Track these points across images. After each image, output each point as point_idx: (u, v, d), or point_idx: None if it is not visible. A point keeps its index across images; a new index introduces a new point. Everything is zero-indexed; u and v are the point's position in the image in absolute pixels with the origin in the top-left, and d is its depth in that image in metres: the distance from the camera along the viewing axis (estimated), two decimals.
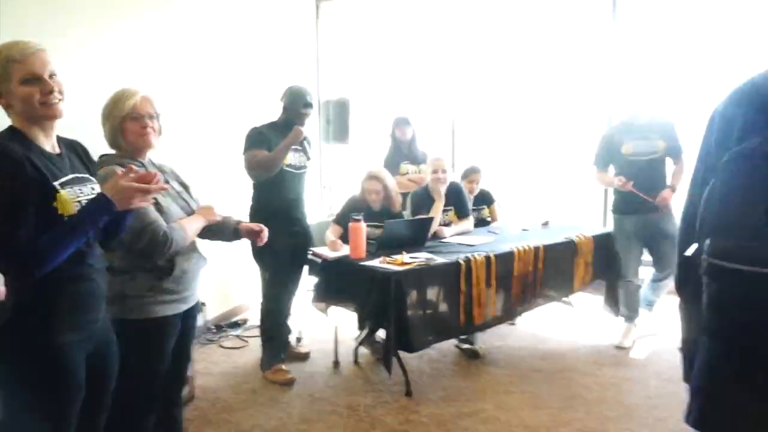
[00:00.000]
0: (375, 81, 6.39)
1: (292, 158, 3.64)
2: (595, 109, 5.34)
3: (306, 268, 3.90)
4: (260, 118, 3.79)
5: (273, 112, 3.79)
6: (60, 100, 1.70)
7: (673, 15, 5.04)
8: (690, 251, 1.53)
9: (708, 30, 4.87)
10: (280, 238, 3.55)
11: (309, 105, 3.70)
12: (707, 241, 1.48)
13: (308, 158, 3.77)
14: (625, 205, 4.03)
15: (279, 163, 3.53)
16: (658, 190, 3.90)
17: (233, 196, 3.86)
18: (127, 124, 2.13)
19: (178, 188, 2.33)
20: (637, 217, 3.99)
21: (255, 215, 3.67)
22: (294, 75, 5.69)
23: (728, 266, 1.41)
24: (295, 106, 3.67)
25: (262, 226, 2.54)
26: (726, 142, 1.40)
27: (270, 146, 3.54)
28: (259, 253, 3.68)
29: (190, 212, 2.28)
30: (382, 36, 6.44)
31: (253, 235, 2.53)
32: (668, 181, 3.96)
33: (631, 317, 4.17)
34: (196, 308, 2.35)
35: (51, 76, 1.68)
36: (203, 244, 2.41)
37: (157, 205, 2.09)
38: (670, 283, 3.95)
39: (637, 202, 3.90)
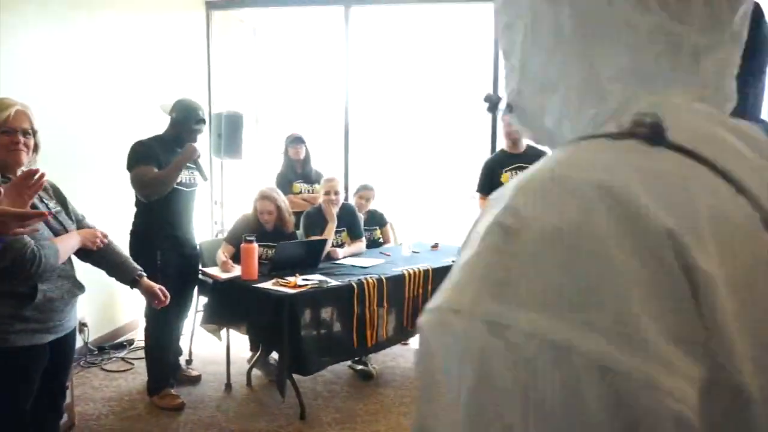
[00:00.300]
0: (267, 95, 6.34)
1: (183, 175, 3.51)
2: (482, 131, 5.62)
3: (196, 288, 3.82)
4: (148, 130, 3.65)
5: (161, 124, 3.66)
6: None
7: None
8: None
9: None
10: (167, 259, 3.49)
11: (202, 121, 3.58)
12: None
13: (204, 178, 3.68)
14: None
15: (172, 183, 3.39)
16: None
17: (117, 212, 3.70)
18: None
19: (55, 207, 2.19)
20: None
21: (141, 234, 3.53)
22: (185, 86, 5.56)
23: None
24: (187, 121, 3.53)
25: (166, 292, 2.47)
26: None
27: (159, 162, 3.39)
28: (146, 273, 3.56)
29: (61, 233, 2.14)
30: (275, 49, 6.42)
31: (152, 297, 2.44)
32: None
33: None
34: (71, 336, 2.25)
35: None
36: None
37: None
38: None
39: None
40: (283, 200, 4.01)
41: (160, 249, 3.46)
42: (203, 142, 5.81)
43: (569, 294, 0.39)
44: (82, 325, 4.24)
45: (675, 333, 0.38)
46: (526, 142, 4.13)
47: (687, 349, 0.38)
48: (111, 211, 3.83)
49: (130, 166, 3.41)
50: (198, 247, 3.83)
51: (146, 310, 3.67)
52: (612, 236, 0.39)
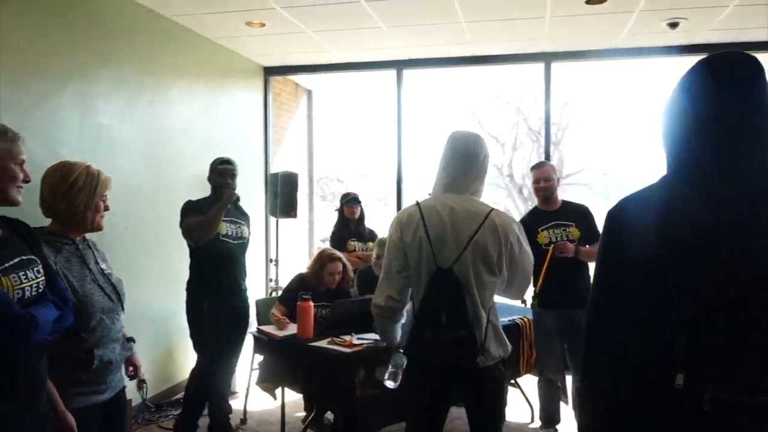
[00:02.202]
0: (323, 155, 6.51)
1: (228, 229, 3.70)
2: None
3: (251, 344, 3.86)
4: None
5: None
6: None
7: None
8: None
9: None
10: (215, 309, 3.62)
11: (226, 161, 3.79)
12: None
13: (247, 229, 3.85)
14: (546, 298, 3.68)
15: (215, 224, 3.56)
16: (578, 280, 3.67)
17: (175, 272, 3.81)
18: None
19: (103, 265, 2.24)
20: (558, 312, 3.66)
21: (192, 288, 3.70)
22: (244, 149, 5.77)
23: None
24: (213, 169, 3.78)
25: (139, 366, 2.42)
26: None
27: (204, 214, 3.59)
28: (193, 324, 3.68)
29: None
30: (330, 110, 6.60)
31: (129, 368, 2.40)
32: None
33: (550, 422, 3.84)
34: (123, 394, 2.27)
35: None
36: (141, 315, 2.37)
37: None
38: None
39: (559, 295, 3.61)
40: (346, 260, 4.05)
41: (207, 299, 3.63)
42: (259, 202, 6.01)
43: None
44: (141, 381, 4.29)
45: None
46: (561, 198, 3.87)
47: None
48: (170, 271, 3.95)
49: (181, 221, 3.64)
50: (247, 300, 3.90)
51: (198, 362, 3.75)
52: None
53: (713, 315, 1.19)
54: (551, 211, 3.78)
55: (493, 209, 2.40)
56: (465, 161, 2.42)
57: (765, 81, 1.25)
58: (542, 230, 3.71)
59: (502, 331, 2.46)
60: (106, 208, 2.18)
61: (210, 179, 3.80)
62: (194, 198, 3.74)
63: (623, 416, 1.28)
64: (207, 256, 3.65)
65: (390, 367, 2.50)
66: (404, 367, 2.47)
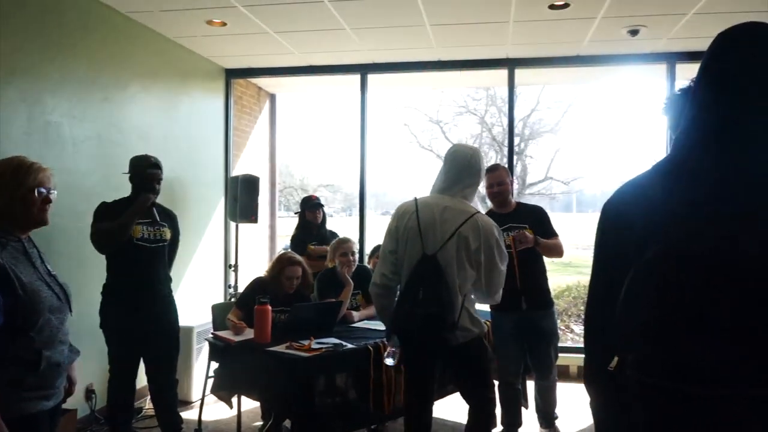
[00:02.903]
0: (285, 159, 6.41)
1: (144, 232, 3.51)
2: None
3: (207, 351, 3.72)
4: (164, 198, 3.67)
5: (189, 188, 3.68)
6: None
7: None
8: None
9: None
10: (119, 319, 3.47)
11: (155, 165, 3.57)
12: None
13: (169, 230, 3.66)
14: (503, 302, 3.42)
15: (124, 232, 3.38)
16: (537, 282, 3.71)
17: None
18: None
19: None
20: (516, 315, 3.64)
21: (107, 293, 3.54)
22: (204, 152, 5.63)
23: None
24: (140, 171, 3.54)
25: (75, 383, 2.25)
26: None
27: (113, 217, 3.40)
28: (104, 332, 3.52)
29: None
30: (293, 114, 6.51)
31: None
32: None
33: (511, 426, 3.82)
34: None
35: None
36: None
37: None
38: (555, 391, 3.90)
39: (516, 299, 3.58)
40: (305, 262, 3.95)
41: (119, 307, 3.47)
42: (219, 206, 5.87)
43: None
44: (90, 392, 4.12)
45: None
46: (516, 200, 3.92)
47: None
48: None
49: (91, 226, 3.45)
50: (172, 305, 3.72)
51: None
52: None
53: (642, 298, 1.21)
54: (506, 214, 3.76)
55: (478, 212, 2.83)
56: (462, 169, 2.85)
57: None
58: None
59: (476, 315, 2.85)
60: (48, 201, 2.05)
61: (132, 179, 3.57)
62: (111, 200, 3.55)
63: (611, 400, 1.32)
64: (121, 261, 3.48)
65: (389, 346, 2.95)
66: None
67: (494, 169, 3.85)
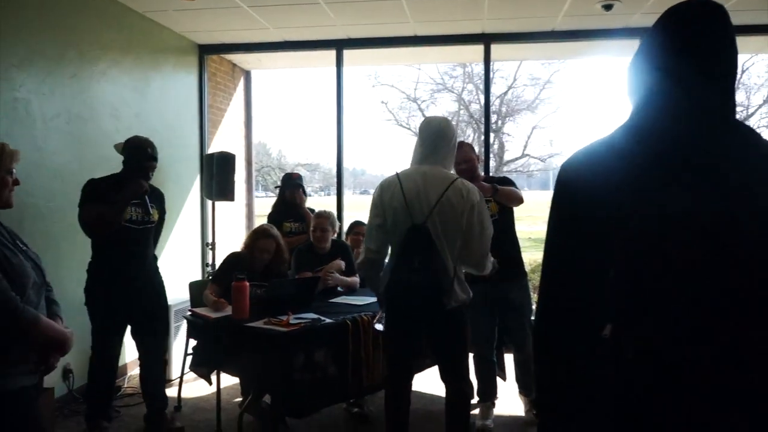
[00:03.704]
0: (261, 135, 6.36)
1: (132, 213, 3.49)
2: None
3: (185, 328, 3.72)
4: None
5: (162, 166, 3.63)
6: None
7: None
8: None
9: None
10: (106, 295, 3.46)
11: (152, 158, 3.54)
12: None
13: (157, 211, 3.66)
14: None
15: (116, 221, 3.37)
16: (507, 252, 3.66)
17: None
18: None
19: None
20: (483, 285, 3.52)
21: (92, 273, 3.52)
22: (179, 128, 5.55)
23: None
24: (137, 159, 3.49)
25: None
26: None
27: (106, 200, 3.36)
28: (89, 309, 3.52)
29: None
30: (269, 90, 6.44)
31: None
32: None
33: (487, 396, 3.89)
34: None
35: None
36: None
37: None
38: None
39: None
40: (281, 239, 3.94)
41: (105, 287, 3.47)
42: (195, 185, 5.81)
43: None
44: (67, 371, 4.09)
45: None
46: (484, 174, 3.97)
47: None
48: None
49: (79, 205, 3.41)
50: (160, 284, 3.75)
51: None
52: None
53: (636, 267, 1.17)
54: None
55: (459, 178, 2.91)
56: (436, 138, 2.91)
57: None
58: None
59: (465, 282, 2.92)
60: (16, 182, 2.04)
61: (127, 162, 3.51)
62: (84, 178, 3.48)
63: (573, 371, 1.25)
64: (108, 241, 3.45)
65: (380, 312, 3.02)
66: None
67: (459, 146, 3.84)
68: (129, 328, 3.66)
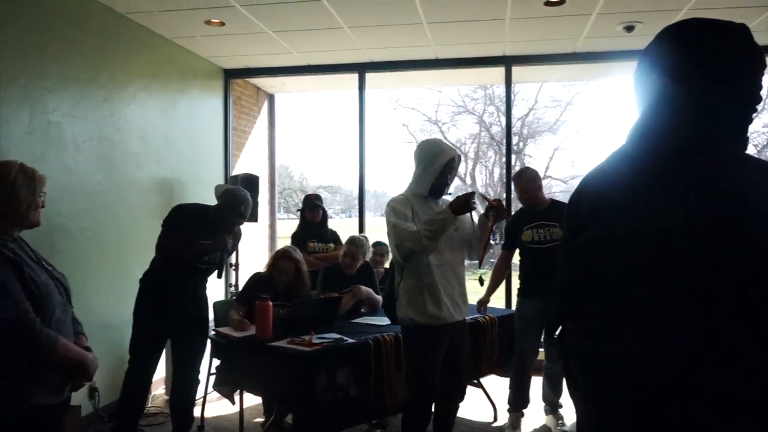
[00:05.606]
0: (285, 158, 6.44)
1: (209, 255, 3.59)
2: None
3: (209, 348, 3.75)
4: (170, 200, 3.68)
5: (188, 187, 3.70)
6: None
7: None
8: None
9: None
10: (153, 306, 3.52)
11: (241, 215, 3.58)
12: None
13: (219, 275, 3.75)
14: (530, 289, 3.86)
15: (191, 264, 3.50)
16: (555, 271, 3.84)
17: (130, 275, 3.68)
18: None
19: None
20: (538, 301, 3.72)
21: (146, 286, 3.58)
22: (204, 152, 5.65)
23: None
24: (227, 212, 3.56)
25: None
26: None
27: (186, 232, 3.46)
28: (135, 314, 3.57)
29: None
30: (292, 113, 6.54)
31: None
32: None
33: (517, 406, 4.01)
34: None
35: None
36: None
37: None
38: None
39: (543, 286, 3.51)
40: (303, 262, 3.97)
41: (158, 305, 3.51)
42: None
43: None
44: (93, 389, 4.14)
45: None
46: (550, 198, 4.12)
47: None
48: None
49: (163, 224, 3.54)
50: (206, 311, 3.76)
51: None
52: None
53: (583, 273, 1.32)
54: (537, 211, 3.93)
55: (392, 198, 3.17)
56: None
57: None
58: (526, 229, 3.89)
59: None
60: (42, 206, 2.14)
61: (221, 209, 3.57)
62: (188, 201, 3.68)
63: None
64: (172, 266, 3.52)
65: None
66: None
67: (516, 180, 4.05)
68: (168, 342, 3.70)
